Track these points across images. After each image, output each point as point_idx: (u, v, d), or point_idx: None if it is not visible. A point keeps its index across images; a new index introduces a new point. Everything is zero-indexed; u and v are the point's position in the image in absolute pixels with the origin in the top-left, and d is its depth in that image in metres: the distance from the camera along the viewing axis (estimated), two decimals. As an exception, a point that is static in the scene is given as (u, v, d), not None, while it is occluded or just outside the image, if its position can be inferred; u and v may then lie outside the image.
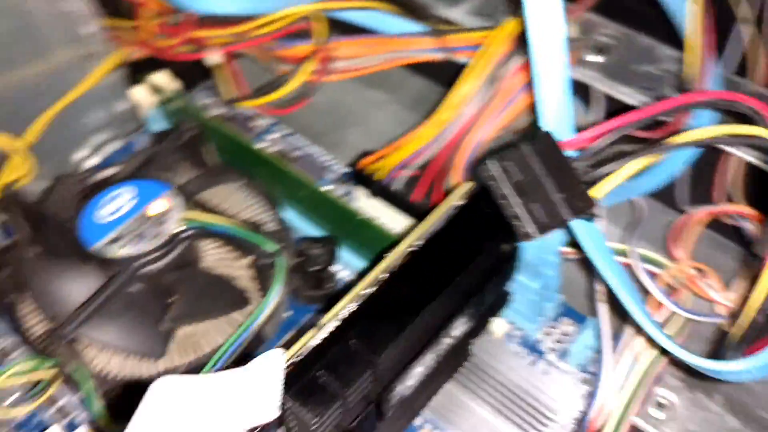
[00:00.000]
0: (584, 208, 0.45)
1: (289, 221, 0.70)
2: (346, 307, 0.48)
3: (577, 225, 0.49)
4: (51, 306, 0.57)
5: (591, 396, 0.57)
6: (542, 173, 0.46)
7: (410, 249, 0.51)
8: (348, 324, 0.47)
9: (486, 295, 0.55)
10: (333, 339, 0.46)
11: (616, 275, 0.50)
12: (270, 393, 0.39)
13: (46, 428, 0.58)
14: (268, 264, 0.57)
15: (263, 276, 0.59)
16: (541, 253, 0.57)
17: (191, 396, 0.33)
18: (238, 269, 0.60)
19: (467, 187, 0.54)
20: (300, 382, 0.44)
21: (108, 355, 0.56)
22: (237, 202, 0.64)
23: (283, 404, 0.43)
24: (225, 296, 0.59)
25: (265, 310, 0.55)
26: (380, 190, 0.70)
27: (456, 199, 0.53)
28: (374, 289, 0.49)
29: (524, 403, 0.59)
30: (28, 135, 0.74)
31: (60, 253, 0.60)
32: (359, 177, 0.71)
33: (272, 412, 0.40)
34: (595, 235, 0.49)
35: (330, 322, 0.47)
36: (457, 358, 0.58)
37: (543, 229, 0.46)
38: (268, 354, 0.39)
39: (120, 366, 0.56)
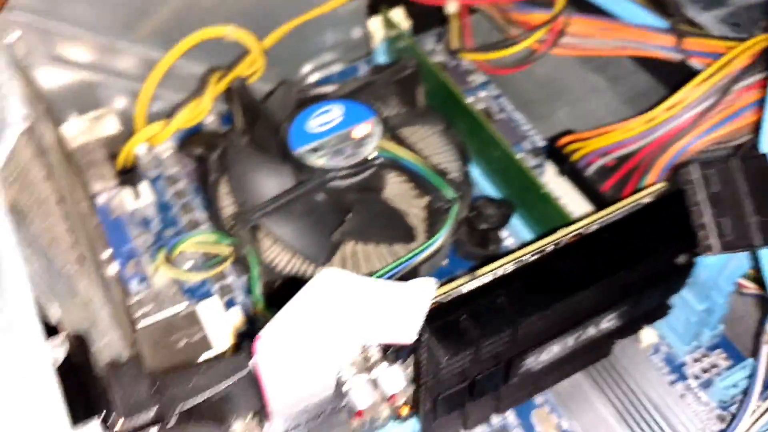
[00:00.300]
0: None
1: (474, 177, 0.72)
2: (504, 266, 0.49)
3: (767, 256, 0.46)
4: (244, 192, 0.64)
5: (722, 433, 0.55)
6: (744, 192, 0.44)
7: (583, 230, 0.51)
8: (502, 282, 0.49)
9: (645, 299, 0.54)
10: (483, 291, 0.48)
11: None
12: (414, 317, 0.42)
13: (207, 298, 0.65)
14: (442, 209, 0.60)
15: (434, 219, 0.61)
16: (717, 275, 0.55)
17: (348, 294, 0.37)
18: (413, 207, 0.64)
19: (660, 187, 0.53)
20: (442, 320, 0.46)
21: (279, 249, 0.62)
22: (432, 145, 0.67)
23: (421, 335, 0.46)
24: (394, 228, 0.62)
25: (427, 249, 0.58)
26: (571, 171, 0.70)
27: (645, 196, 0.53)
28: (536, 257, 0.50)
29: (650, 418, 0.58)
30: (268, 40, 0.81)
31: (265, 149, 0.67)
32: (554, 153, 0.71)
33: (410, 336, 0.43)
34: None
35: (485, 275, 0.49)
36: (596, 352, 0.58)
37: (727, 246, 0.45)
38: (423, 279, 0.41)
39: (286, 262, 0.62)
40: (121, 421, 0.34)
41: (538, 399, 0.61)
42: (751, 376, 0.55)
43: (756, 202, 0.43)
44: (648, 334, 0.62)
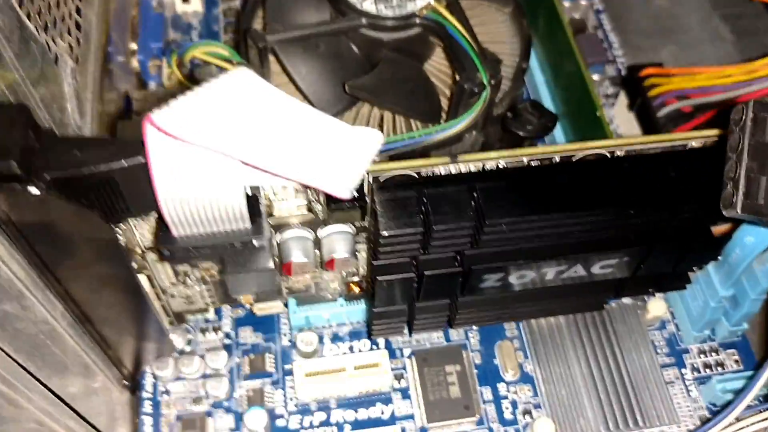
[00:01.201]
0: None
1: (534, 83, 0.64)
2: (496, 159, 0.42)
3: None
4: (275, 15, 0.58)
5: (692, 435, 0.48)
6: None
7: (602, 151, 0.43)
8: (486, 176, 0.42)
9: (654, 257, 0.46)
10: (460, 179, 0.42)
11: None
12: (352, 169, 0.36)
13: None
14: (473, 92, 0.52)
15: (462, 101, 0.54)
16: (751, 260, 0.46)
17: (272, 105, 0.31)
18: (444, 84, 0.57)
19: (714, 134, 0.44)
20: (399, 193, 0.41)
21: (286, 85, 0.57)
22: (492, 26, 0.59)
23: (372, 202, 0.41)
24: (420, 99, 0.56)
25: (446, 130, 0.52)
26: (642, 106, 0.60)
27: (693, 139, 0.44)
28: (537, 163, 0.43)
29: (624, 393, 0.51)
30: None
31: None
32: (632, 83, 0.62)
33: (344, 190, 0.37)
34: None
35: (468, 163, 0.42)
36: (585, 300, 0.51)
37: (750, 210, 0.36)
38: (372, 130, 0.35)
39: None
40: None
41: (510, 332, 0.54)
42: (745, 388, 0.47)
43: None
44: (656, 306, 0.53)
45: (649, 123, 0.59)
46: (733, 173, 0.37)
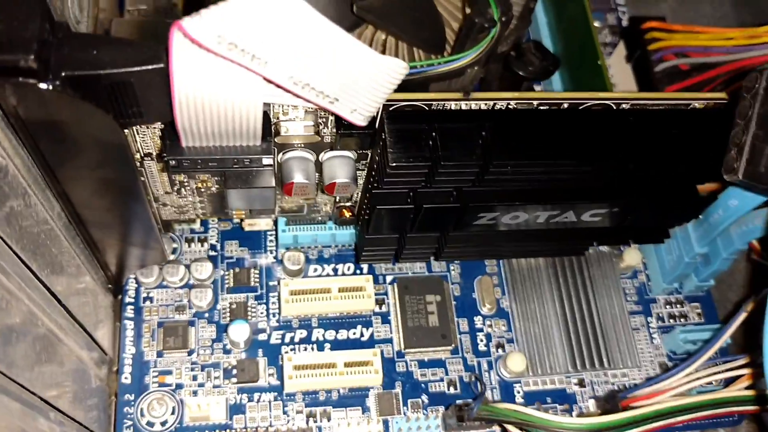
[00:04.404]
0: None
1: (534, 20, 0.64)
2: (507, 101, 0.43)
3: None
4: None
5: (650, 380, 0.50)
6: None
7: (609, 103, 0.43)
8: (494, 115, 0.42)
9: (641, 211, 0.47)
10: (470, 116, 0.42)
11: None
12: (371, 97, 0.36)
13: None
14: (483, 27, 0.52)
15: (470, 35, 0.54)
16: (730, 223, 0.48)
17: (301, 24, 0.31)
18: (453, 18, 0.56)
19: (718, 97, 0.45)
20: (409, 124, 0.41)
21: None
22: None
23: (381, 130, 0.41)
24: (426, 28, 0.55)
25: (451, 62, 0.51)
26: (640, 59, 0.61)
27: (696, 99, 0.45)
28: (545, 108, 0.43)
29: (593, 335, 0.53)
30: None
31: None
32: (632, 35, 0.62)
33: (361, 117, 0.37)
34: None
35: (481, 101, 0.42)
36: (569, 245, 0.53)
37: (751, 177, 0.37)
38: (396, 61, 0.35)
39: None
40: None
41: (490, 268, 0.56)
42: (710, 340, 0.49)
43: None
44: (631, 256, 0.55)
45: (645, 77, 0.60)
46: (738, 139, 0.38)
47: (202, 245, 0.54)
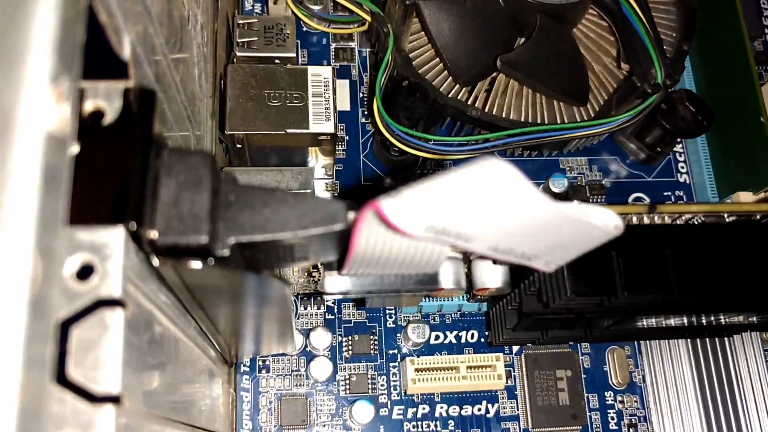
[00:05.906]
0: None
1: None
2: (696, 214, 0.37)
3: None
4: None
5: None
6: None
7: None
8: (677, 231, 0.37)
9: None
10: (651, 232, 0.37)
11: None
12: (572, 248, 0.31)
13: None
14: (646, 93, 0.46)
15: (627, 99, 0.48)
16: None
17: (507, 198, 0.26)
18: (599, 62, 0.50)
19: None
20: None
21: (424, 42, 0.50)
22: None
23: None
24: (570, 78, 0.49)
25: (597, 127, 0.46)
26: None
27: None
28: (733, 218, 0.38)
29: (734, 416, 0.50)
30: None
31: None
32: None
33: (549, 267, 0.32)
34: None
35: (666, 214, 0.37)
36: (712, 332, 0.48)
37: None
38: (609, 212, 0.29)
39: (425, 61, 0.50)
40: (154, 233, 0.24)
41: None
42: None
43: None
44: (778, 329, 0.51)
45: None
46: None
47: (318, 308, 0.50)
